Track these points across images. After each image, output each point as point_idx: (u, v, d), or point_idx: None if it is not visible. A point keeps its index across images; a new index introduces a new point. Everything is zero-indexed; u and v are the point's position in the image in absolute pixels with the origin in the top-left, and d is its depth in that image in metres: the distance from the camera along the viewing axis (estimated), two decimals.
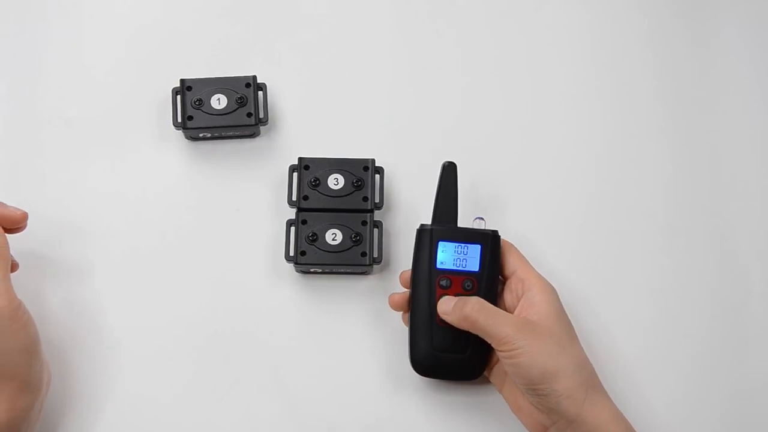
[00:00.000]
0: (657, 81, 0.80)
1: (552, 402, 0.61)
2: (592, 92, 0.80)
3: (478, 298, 0.65)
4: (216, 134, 0.76)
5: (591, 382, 0.63)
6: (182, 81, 0.74)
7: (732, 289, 0.74)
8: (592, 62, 0.81)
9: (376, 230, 0.71)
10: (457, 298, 0.65)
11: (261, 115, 0.75)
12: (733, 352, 0.72)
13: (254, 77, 0.75)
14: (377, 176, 0.73)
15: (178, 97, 0.74)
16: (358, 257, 0.70)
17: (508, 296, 0.68)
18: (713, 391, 0.71)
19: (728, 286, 0.74)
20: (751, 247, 0.75)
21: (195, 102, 0.74)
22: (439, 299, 0.66)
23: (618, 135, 0.79)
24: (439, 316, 0.65)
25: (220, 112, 0.74)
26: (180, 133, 0.76)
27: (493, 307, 0.64)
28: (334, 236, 0.70)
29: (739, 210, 0.76)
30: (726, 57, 0.81)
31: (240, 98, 0.74)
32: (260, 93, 0.75)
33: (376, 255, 0.71)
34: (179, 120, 0.74)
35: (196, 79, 0.74)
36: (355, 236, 0.70)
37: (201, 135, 0.76)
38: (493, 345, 0.63)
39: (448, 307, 0.64)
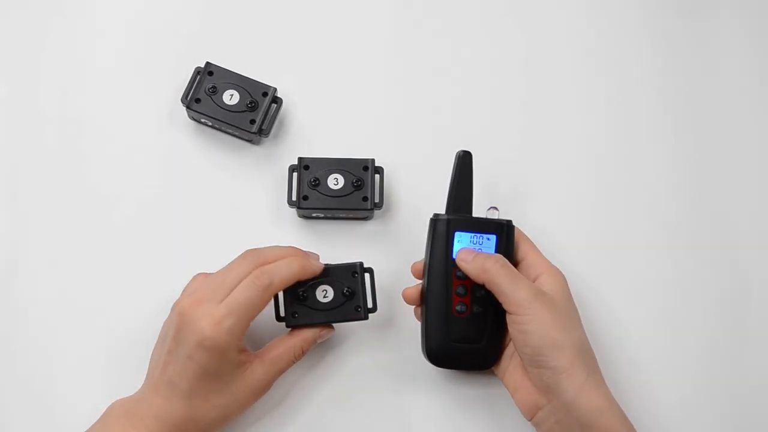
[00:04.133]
0: (659, 78, 0.81)
1: (552, 378, 0.61)
2: (596, 89, 0.80)
3: (501, 255, 0.64)
4: (216, 126, 0.76)
5: (592, 367, 0.63)
6: (207, 64, 0.75)
7: (737, 285, 0.74)
8: (596, 58, 0.81)
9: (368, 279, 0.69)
10: (478, 251, 0.65)
11: (263, 126, 0.74)
12: (738, 348, 0.73)
13: (274, 89, 0.75)
14: (377, 176, 0.73)
15: (198, 77, 0.74)
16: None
17: None
18: (717, 387, 0.71)
19: (733, 283, 0.75)
20: (757, 243, 0.76)
21: (209, 89, 0.74)
22: (455, 290, 0.66)
23: (624, 131, 0.79)
24: (455, 308, 0.65)
25: (228, 107, 0.74)
26: (180, 132, 0.76)
27: (514, 268, 0.64)
28: None
29: (743, 207, 0.77)
30: (730, 56, 0.82)
31: (251, 102, 0.74)
32: (273, 105, 0.75)
33: (370, 305, 0.69)
34: (187, 98, 0.74)
35: (221, 67, 0.75)
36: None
37: (202, 120, 0.76)
38: (505, 307, 0.63)
39: (469, 257, 0.64)
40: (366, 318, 0.67)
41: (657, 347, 0.72)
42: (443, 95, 0.79)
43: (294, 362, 0.66)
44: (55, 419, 0.62)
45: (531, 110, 0.79)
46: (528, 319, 0.61)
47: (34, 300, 0.71)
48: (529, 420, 0.65)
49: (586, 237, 0.76)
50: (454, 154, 0.67)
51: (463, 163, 0.67)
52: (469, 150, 0.67)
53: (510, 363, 0.67)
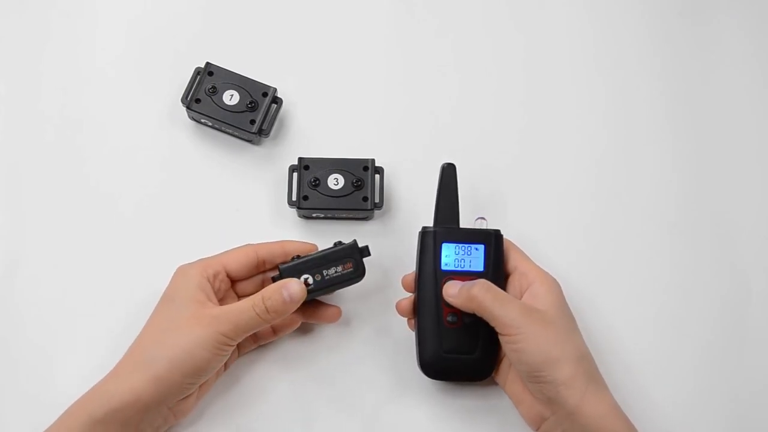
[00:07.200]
0: (659, 79, 0.81)
1: (552, 391, 0.61)
2: (592, 91, 0.80)
3: (485, 280, 0.64)
4: (216, 126, 0.76)
5: (592, 373, 0.63)
6: (207, 64, 0.74)
7: (737, 286, 0.74)
8: (593, 61, 0.81)
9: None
10: (463, 282, 0.65)
11: (264, 126, 0.74)
12: (738, 350, 0.72)
13: (274, 89, 0.75)
14: (377, 176, 0.73)
15: (198, 77, 0.74)
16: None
17: (511, 292, 0.67)
18: (717, 389, 0.71)
19: (732, 284, 0.74)
20: (757, 244, 0.76)
21: (209, 89, 0.74)
22: (445, 301, 0.65)
23: (616, 133, 0.79)
24: (446, 318, 0.65)
25: (228, 108, 0.74)
26: (180, 132, 0.76)
27: (500, 290, 0.64)
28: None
29: (743, 207, 0.77)
30: (730, 56, 0.82)
31: (251, 102, 0.74)
32: (273, 105, 0.75)
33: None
34: (187, 99, 0.74)
35: (221, 67, 0.75)
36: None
37: (202, 121, 0.76)
38: (496, 329, 0.63)
39: (454, 290, 0.64)
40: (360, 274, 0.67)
41: (656, 349, 0.72)
42: (443, 95, 0.79)
43: (260, 321, 0.62)
44: (53, 420, 0.62)
45: (531, 111, 0.79)
46: (520, 338, 0.61)
47: (34, 300, 0.71)
48: (536, 431, 0.65)
49: (585, 238, 0.75)
50: (440, 165, 0.68)
51: (447, 175, 0.68)
52: (452, 162, 0.68)
53: (509, 374, 0.67)
